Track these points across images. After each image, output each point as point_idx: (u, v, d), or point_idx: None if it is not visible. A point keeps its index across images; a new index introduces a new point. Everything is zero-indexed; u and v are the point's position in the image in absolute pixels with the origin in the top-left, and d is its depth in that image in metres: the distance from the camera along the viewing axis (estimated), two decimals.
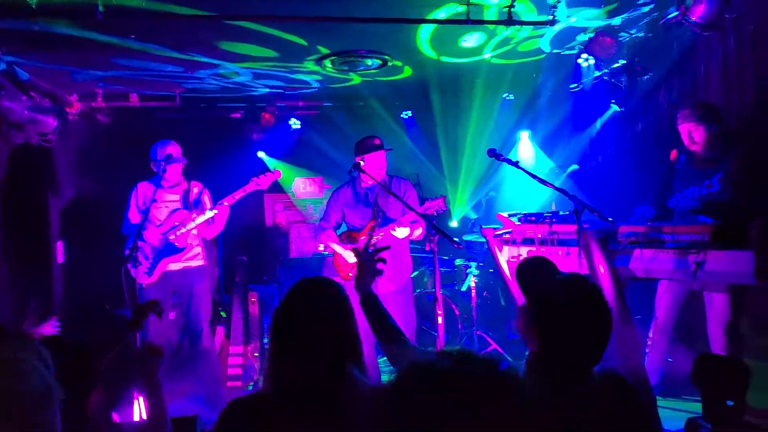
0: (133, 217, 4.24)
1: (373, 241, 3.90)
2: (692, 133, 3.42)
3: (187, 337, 4.49)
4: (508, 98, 6.46)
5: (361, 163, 3.86)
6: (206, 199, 4.39)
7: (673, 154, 3.69)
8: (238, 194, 4.20)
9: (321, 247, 7.24)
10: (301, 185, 7.65)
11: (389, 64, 5.11)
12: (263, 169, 4.32)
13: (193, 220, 4.15)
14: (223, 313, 5.30)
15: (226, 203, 4.17)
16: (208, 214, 4.16)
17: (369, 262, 2.06)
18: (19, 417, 1.02)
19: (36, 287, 4.89)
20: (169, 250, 4.17)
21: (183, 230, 4.14)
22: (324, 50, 4.71)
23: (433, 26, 4.24)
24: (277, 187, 7.59)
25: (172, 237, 4.15)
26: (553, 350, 1.67)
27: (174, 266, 4.20)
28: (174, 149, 4.20)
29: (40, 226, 5.12)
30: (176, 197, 4.30)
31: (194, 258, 4.30)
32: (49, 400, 1.05)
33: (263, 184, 4.23)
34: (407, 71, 5.48)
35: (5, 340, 1.13)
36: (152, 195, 4.05)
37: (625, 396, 1.67)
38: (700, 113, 3.39)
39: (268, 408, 1.53)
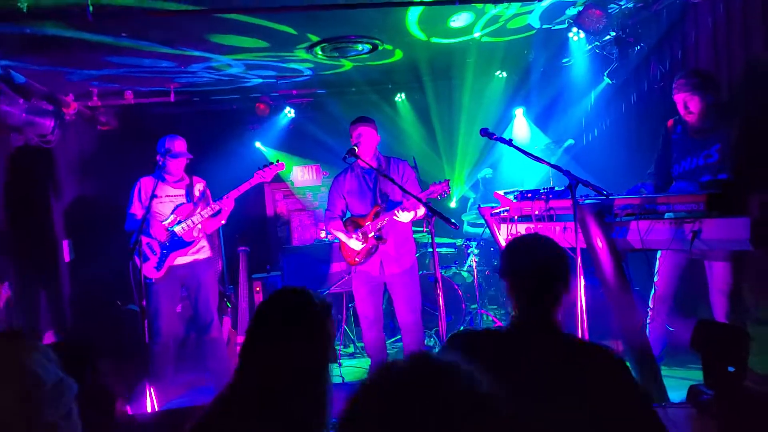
0: (136, 211, 4.25)
1: (378, 227, 3.93)
2: (687, 103, 3.42)
3: (195, 328, 4.55)
4: (500, 76, 6.46)
5: (356, 149, 3.88)
6: (208, 195, 4.43)
7: (670, 123, 3.70)
8: (243, 188, 4.23)
9: (323, 234, 7.31)
10: (299, 174, 7.69)
11: (380, 48, 5.11)
12: (267, 162, 4.33)
13: (200, 215, 4.19)
14: (228, 304, 5.36)
15: (230, 197, 4.20)
16: (215, 207, 4.19)
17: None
18: (34, 411, 1.05)
19: (44, 287, 4.96)
20: (177, 244, 4.20)
21: (189, 224, 4.17)
22: (314, 38, 4.71)
23: (421, 8, 4.24)
24: (276, 177, 7.61)
25: (179, 231, 4.18)
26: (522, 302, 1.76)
27: (182, 260, 4.23)
28: (177, 145, 4.21)
29: (46, 226, 5.16)
30: (181, 191, 4.32)
31: (201, 251, 4.33)
32: (62, 392, 1.08)
33: (267, 176, 4.26)
34: (398, 54, 5.48)
35: (15, 340, 1.17)
36: (153, 189, 4.07)
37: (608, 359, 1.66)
38: (696, 82, 3.39)
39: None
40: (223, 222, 4.37)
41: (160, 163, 4.18)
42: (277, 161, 4.36)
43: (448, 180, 3.86)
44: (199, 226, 4.26)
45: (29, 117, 4.39)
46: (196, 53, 4.76)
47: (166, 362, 4.19)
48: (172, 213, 4.23)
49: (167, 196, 4.27)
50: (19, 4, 3.21)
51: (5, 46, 4.01)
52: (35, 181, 5.03)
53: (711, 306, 3.49)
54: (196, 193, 4.37)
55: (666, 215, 2.98)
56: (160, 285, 4.17)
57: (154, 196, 4.03)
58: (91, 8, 3.35)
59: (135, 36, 4.14)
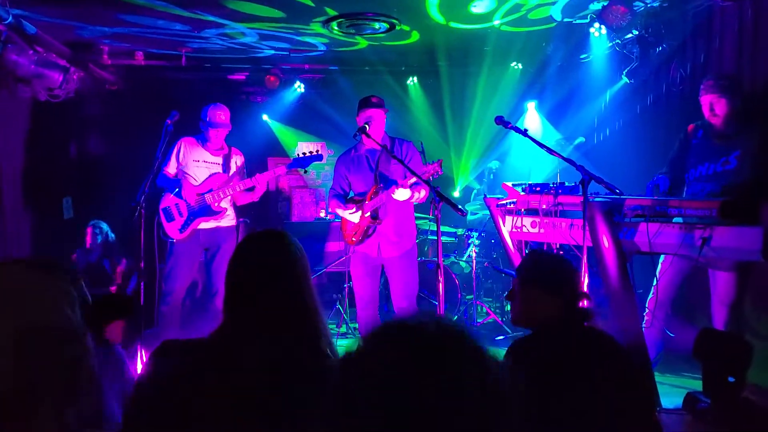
0: (171, 170, 4.23)
1: (375, 206, 3.89)
2: (714, 105, 3.36)
3: (191, 294, 4.52)
4: (516, 68, 6.37)
5: (367, 126, 3.81)
6: (243, 169, 4.42)
7: (690, 127, 3.63)
8: (279, 170, 4.29)
9: (322, 213, 7.27)
10: (304, 150, 7.61)
11: (397, 28, 5.03)
12: (308, 151, 4.34)
13: (233, 187, 4.19)
14: None
15: (264, 177, 4.19)
16: (248, 183, 4.19)
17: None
18: (47, 348, 1.01)
19: (43, 244, 4.93)
20: (204, 211, 4.18)
21: (220, 194, 4.17)
22: (331, 12, 4.63)
23: None
24: (280, 152, 7.56)
25: (208, 199, 4.16)
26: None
27: (205, 225, 4.21)
28: (217, 115, 4.20)
29: (47, 181, 5.13)
30: (218, 160, 4.30)
31: (226, 218, 4.31)
32: (76, 337, 1.04)
33: (305, 164, 4.29)
34: (415, 36, 5.39)
35: (53, 269, 1.12)
36: (191, 151, 4.12)
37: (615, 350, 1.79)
38: (725, 84, 3.33)
39: (203, 353, 1.45)
40: (254, 200, 4.37)
41: (202, 129, 4.20)
42: (318, 152, 4.35)
43: (441, 160, 3.78)
44: (229, 197, 4.24)
45: (38, 69, 4.32)
46: (211, 18, 4.67)
47: (171, 323, 4.16)
48: (205, 180, 4.22)
49: (204, 161, 4.25)
50: None
51: None
52: (40, 136, 4.98)
53: (711, 315, 3.46)
54: (233, 166, 4.35)
55: (675, 219, 2.94)
56: (181, 246, 4.16)
57: (193, 159, 4.06)
58: None
59: None
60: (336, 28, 4.98)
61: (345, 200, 4.09)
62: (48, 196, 5.18)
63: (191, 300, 5.05)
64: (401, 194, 3.77)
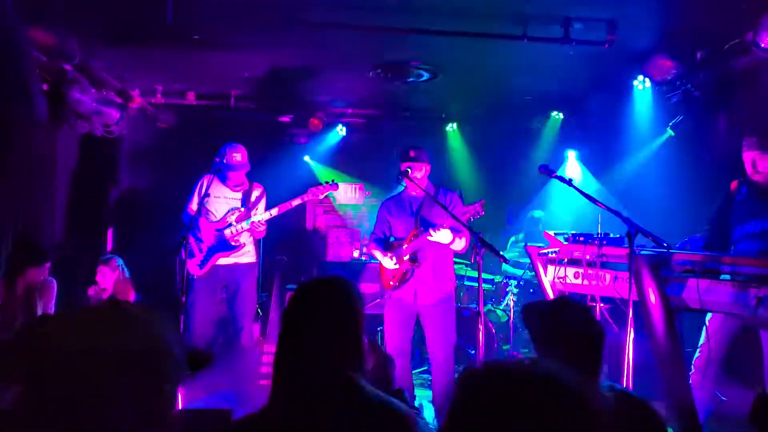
0: (193, 206, 4.31)
1: (414, 249, 3.85)
2: (756, 162, 3.29)
3: (224, 331, 4.54)
4: (557, 117, 6.39)
5: (408, 171, 3.84)
6: (262, 203, 4.45)
7: (734, 185, 3.56)
8: (295, 201, 4.25)
9: (356, 253, 7.29)
10: (342, 191, 7.71)
11: (438, 76, 5.13)
12: (318, 180, 4.36)
13: (252, 222, 4.22)
14: (260, 311, 5.36)
15: (282, 208, 4.22)
16: (263, 216, 4.22)
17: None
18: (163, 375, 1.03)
19: (86, 274, 5.05)
20: (223, 246, 4.24)
21: (239, 228, 4.22)
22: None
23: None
24: None
25: (227, 234, 4.22)
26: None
27: (224, 261, 4.26)
28: (234, 157, 4.24)
29: (96, 213, 5.30)
30: (238, 195, 4.37)
31: (245, 255, 4.35)
32: (179, 372, 1.06)
33: (319, 194, 4.28)
34: (455, 84, 5.48)
35: (150, 312, 1.15)
36: (211, 188, 4.14)
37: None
38: (767, 142, 3.28)
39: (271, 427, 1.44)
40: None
41: (221, 168, 4.23)
42: (333, 181, 4.36)
43: (483, 200, 3.75)
44: (248, 232, 4.28)
45: (98, 106, 4.54)
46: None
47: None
48: (223, 215, 4.27)
49: (224, 197, 4.32)
50: None
51: (88, 35, 4.14)
52: (95, 169, 5.19)
53: (764, 378, 3.30)
54: (253, 200, 4.39)
55: (724, 276, 2.85)
56: (200, 282, 4.20)
57: (206, 195, 4.07)
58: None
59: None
60: (380, 73, 5.10)
61: (384, 245, 4.06)
62: (96, 227, 5.34)
63: (224, 337, 5.07)
64: (442, 235, 3.69)
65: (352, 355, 1.50)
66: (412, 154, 3.92)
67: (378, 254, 4.01)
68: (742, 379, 3.79)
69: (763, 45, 3.35)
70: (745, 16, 3.67)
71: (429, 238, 3.71)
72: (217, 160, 4.21)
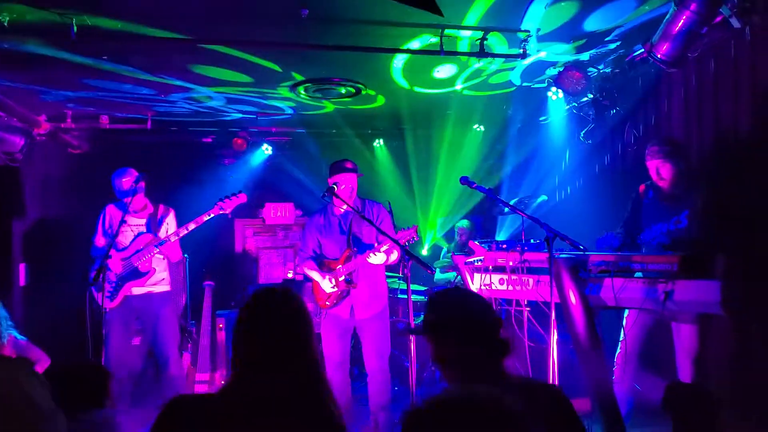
0: (99, 240, 4.20)
1: (349, 271, 3.88)
2: (660, 170, 3.49)
3: (153, 364, 4.36)
4: (478, 130, 6.58)
5: (335, 187, 3.85)
6: (170, 222, 4.32)
7: (642, 188, 3.76)
8: (203, 218, 4.13)
9: (290, 274, 7.18)
10: (271, 211, 7.59)
11: (363, 92, 5.17)
12: (229, 193, 4.25)
13: (155, 245, 4.10)
14: (189, 340, 5.17)
15: (192, 227, 4.09)
16: (173, 235, 4.10)
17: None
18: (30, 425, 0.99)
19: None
20: (133, 274, 4.10)
21: (147, 254, 4.10)
22: (298, 77, 4.74)
23: (407, 56, 4.31)
24: (247, 213, 7.51)
25: (135, 261, 4.08)
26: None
27: (137, 290, 4.12)
28: (124, 183, 4.10)
29: (4, 247, 4.96)
30: (142, 221, 4.24)
31: (159, 283, 4.22)
32: (55, 417, 1.01)
33: (227, 207, 4.16)
34: (380, 100, 5.54)
35: (13, 364, 1.10)
36: (120, 218, 3.99)
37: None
38: (668, 150, 3.47)
39: (215, 409, 1.53)
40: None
41: (117, 196, 4.15)
42: (240, 192, 4.25)
43: (416, 226, 3.84)
44: (160, 255, 4.14)
45: None
46: (178, 83, 4.72)
47: (118, 396, 3.96)
48: (130, 243, 4.14)
49: (128, 224, 4.19)
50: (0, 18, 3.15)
51: None
52: None
53: (677, 368, 3.48)
54: (161, 223, 4.28)
55: (636, 274, 3.00)
56: (113, 314, 4.04)
57: (110, 225, 3.95)
58: (75, 28, 3.31)
59: (117, 60, 4.09)
60: (303, 92, 5.09)
61: (318, 264, 4.05)
62: (4, 263, 4.99)
63: (154, 370, 4.85)
64: (377, 259, 3.82)
65: (305, 348, 1.65)
66: (347, 165, 3.97)
67: (315, 275, 4.00)
68: (661, 372, 3.99)
69: (659, 56, 3.57)
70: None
71: (368, 260, 3.78)
72: (117, 193, 4.12)
